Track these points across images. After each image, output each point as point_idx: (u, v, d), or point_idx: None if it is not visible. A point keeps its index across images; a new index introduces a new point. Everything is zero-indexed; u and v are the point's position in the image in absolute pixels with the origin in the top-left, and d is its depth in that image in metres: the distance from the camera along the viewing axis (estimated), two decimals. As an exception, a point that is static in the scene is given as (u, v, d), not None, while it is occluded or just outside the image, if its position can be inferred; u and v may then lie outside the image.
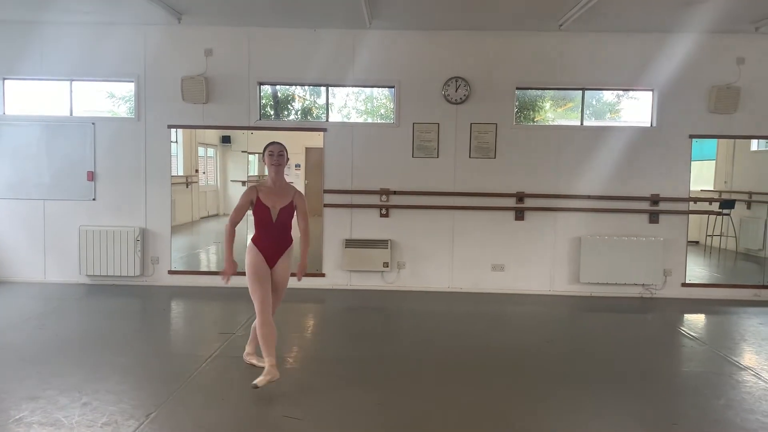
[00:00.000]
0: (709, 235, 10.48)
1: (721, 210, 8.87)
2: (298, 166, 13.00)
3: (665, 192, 7.42)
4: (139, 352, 5.14)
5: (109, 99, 8.18)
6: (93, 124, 7.56)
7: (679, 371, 5.00)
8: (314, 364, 5.00)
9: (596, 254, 7.34)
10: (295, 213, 4.43)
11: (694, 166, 12.25)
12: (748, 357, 5.26)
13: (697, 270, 9.53)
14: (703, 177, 12.01)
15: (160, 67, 7.47)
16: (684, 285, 7.49)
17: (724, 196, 10.30)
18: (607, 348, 5.52)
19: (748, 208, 9.93)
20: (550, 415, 3.91)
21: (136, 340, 5.55)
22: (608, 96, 8.20)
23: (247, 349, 4.71)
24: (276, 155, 4.36)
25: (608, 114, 8.26)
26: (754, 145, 9.74)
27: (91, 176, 7.56)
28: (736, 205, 9.97)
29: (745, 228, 9.92)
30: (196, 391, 4.21)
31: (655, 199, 7.42)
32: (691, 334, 5.95)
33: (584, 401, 4.13)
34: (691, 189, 11.49)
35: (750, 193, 9.84)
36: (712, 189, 11.14)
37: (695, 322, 6.67)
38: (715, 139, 9.70)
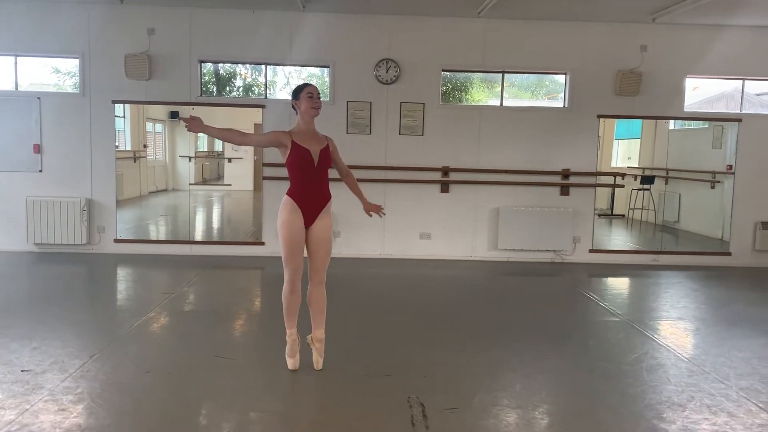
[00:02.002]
0: (632, 209, 11.41)
1: (622, 186, 9.68)
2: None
3: (575, 167, 8.17)
4: (85, 308, 5.64)
5: (54, 74, 8.44)
6: (38, 98, 7.83)
7: (567, 321, 5.72)
8: (249, 318, 5.56)
9: (513, 223, 8.06)
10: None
11: (622, 144, 13.21)
12: (629, 309, 6.07)
13: (617, 240, 10.42)
14: (630, 154, 12.96)
15: (104, 44, 7.78)
16: (591, 251, 8.29)
17: (632, 172, 11.20)
18: (513, 304, 6.26)
19: (666, 183, 10.85)
20: (452, 354, 4.57)
21: (82, 299, 6.04)
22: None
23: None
24: (316, 97, 3.91)
25: (557, 95, 8.89)
26: (672, 124, 10.61)
27: (38, 149, 7.85)
28: (656, 180, 10.88)
29: (663, 202, 10.84)
30: (136, 338, 4.73)
31: (566, 174, 8.16)
32: (589, 293, 6.71)
33: (481, 343, 4.82)
34: (618, 165, 12.37)
35: (667, 170, 10.73)
36: (636, 166, 12.07)
37: (595, 283, 7.46)
38: (640, 120, 10.55)
